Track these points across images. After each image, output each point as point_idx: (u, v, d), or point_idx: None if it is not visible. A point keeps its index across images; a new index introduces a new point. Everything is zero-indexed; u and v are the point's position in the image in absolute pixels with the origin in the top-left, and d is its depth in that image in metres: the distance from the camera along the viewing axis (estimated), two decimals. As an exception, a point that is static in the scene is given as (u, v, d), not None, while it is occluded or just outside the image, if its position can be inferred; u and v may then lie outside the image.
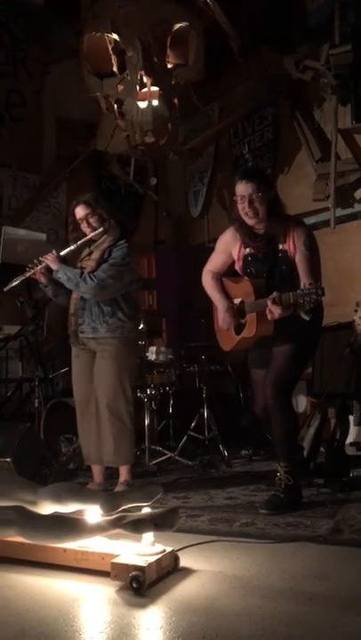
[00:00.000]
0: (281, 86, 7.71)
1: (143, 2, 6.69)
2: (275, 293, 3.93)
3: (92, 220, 4.85)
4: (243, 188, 4.21)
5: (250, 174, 4.44)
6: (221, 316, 4.51)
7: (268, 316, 4.00)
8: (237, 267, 4.50)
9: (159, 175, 9.23)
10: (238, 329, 4.43)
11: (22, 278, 4.87)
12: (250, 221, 4.27)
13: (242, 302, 4.39)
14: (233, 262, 4.56)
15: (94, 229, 4.85)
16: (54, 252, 4.86)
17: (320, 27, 7.08)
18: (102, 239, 4.87)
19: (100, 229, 4.85)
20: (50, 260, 4.81)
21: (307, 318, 4.13)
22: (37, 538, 3.09)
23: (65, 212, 8.37)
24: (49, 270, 4.88)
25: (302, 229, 4.24)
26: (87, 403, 4.88)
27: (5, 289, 5.00)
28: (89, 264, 4.82)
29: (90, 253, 4.90)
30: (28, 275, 4.85)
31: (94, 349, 4.87)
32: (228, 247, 4.54)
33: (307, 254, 4.15)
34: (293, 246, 4.19)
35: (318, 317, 4.37)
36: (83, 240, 4.86)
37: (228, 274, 4.65)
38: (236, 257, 4.49)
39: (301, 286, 3.95)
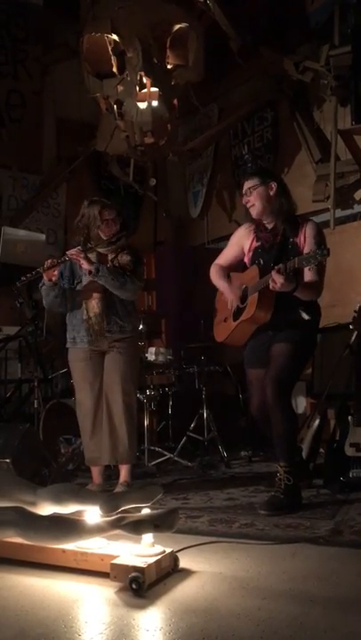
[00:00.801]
0: (281, 87, 7.71)
1: (143, 3, 6.68)
2: (280, 264, 4.01)
3: (117, 225, 4.88)
4: (245, 184, 4.47)
5: (250, 172, 4.74)
6: (227, 294, 4.59)
7: (271, 286, 4.03)
8: (246, 259, 4.61)
9: (159, 176, 9.22)
10: (237, 315, 4.47)
11: (41, 272, 4.74)
12: (252, 213, 4.43)
13: (245, 288, 4.44)
14: (243, 259, 4.66)
15: (116, 232, 4.87)
16: (80, 248, 4.79)
17: (320, 28, 7.09)
18: (120, 242, 4.91)
19: (125, 232, 4.95)
20: (82, 257, 4.72)
21: (306, 318, 4.23)
22: (37, 539, 3.09)
23: (64, 213, 8.40)
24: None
25: (314, 226, 4.37)
26: (98, 405, 4.86)
27: (19, 284, 4.88)
28: (125, 264, 4.83)
29: (101, 254, 4.89)
30: (45, 270, 4.72)
31: (105, 349, 4.87)
32: (241, 240, 4.65)
33: (314, 248, 4.18)
34: (304, 240, 4.29)
35: (316, 317, 4.43)
36: (106, 240, 4.85)
37: (235, 270, 4.72)
38: (246, 249, 4.59)
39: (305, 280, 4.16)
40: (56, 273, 4.84)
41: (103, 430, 4.80)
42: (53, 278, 4.84)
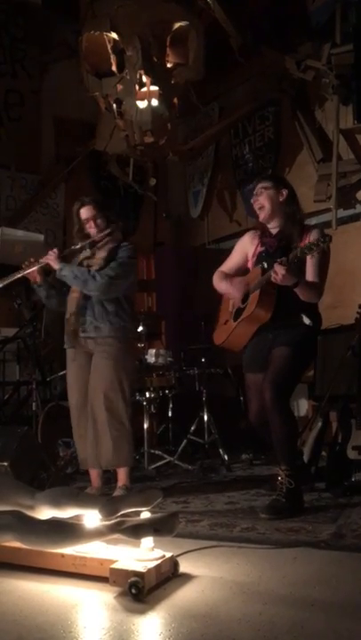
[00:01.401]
0: (282, 86, 7.72)
1: (143, 1, 6.68)
2: (283, 257, 4.01)
3: (99, 222, 4.85)
4: (257, 186, 4.52)
5: (263, 176, 4.74)
6: (230, 291, 4.59)
7: (273, 278, 4.02)
8: (250, 264, 4.61)
9: (159, 176, 9.17)
10: (237, 315, 4.47)
11: (17, 276, 4.80)
12: (260, 215, 4.47)
13: (247, 289, 4.44)
14: (246, 265, 4.66)
15: (101, 230, 4.84)
16: (55, 250, 4.82)
17: (321, 26, 7.09)
18: (106, 240, 4.87)
19: (108, 230, 4.87)
20: (51, 258, 4.77)
21: (307, 322, 4.21)
22: (35, 543, 3.06)
23: (63, 213, 8.38)
24: (46, 270, 4.85)
25: (318, 232, 4.37)
26: (83, 406, 4.82)
27: None
28: (95, 262, 4.80)
29: (93, 254, 4.87)
30: (22, 273, 4.78)
31: (92, 350, 4.82)
32: (245, 248, 4.66)
33: (318, 255, 4.21)
34: None
35: (317, 323, 4.43)
36: (89, 240, 4.86)
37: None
38: (250, 255, 4.60)
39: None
40: (37, 275, 4.84)
41: (88, 434, 4.77)
42: (38, 280, 4.86)
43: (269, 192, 4.41)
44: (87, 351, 4.84)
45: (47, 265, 4.81)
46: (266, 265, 4.35)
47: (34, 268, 4.79)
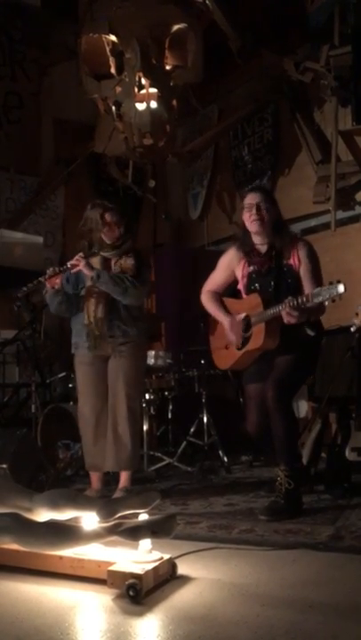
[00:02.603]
0: (281, 88, 7.71)
1: (141, 3, 6.67)
2: (293, 300, 3.93)
3: (121, 227, 4.83)
4: (251, 197, 4.38)
5: (259, 187, 4.68)
6: (229, 334, 4.46)
7: (286, 321, 4.00)
8: (241, 285, 4.54)
9: (158, 177, 9.17)
10: (241, 343, 4.42)
11: (42, 280, 4.77)
12: (256, 228, 4.35)
13: (246, 316, 4.38)
14: (233, 282, 4.62)
15: (120, 235, 4.82)
16: (82, 254, 4.77)
17: (320, 28, 7.05)
18: (125, 245, 4.86)
19: (129, 235, 4.92)
20: (83, 264, 4.69)
21: (312, 334, 4.21)
22: (33, 545, 3.06)
23: (62, 215, 8.38)
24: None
25: (305, 244, 4.39)
26: (102, 411, 4.80)
27: (20, 294, 4.94)
28: (128, 269, 4.77)
29: (107, 259, 4.85)
30: (48, 277, 4.74)
31: (110, 353, 4.80)
32: (231, 265, 4.58)
33: (310, 267, 4.28)
34: (298, 260, 4.29)
35: (319, 333, 4.44)
36: (111, 244, 4.82)
37: (226, 295, 4.67)
38: (240, 275, 4.53)
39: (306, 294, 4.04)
40: (58, 281, 4.81)
41: (107, 436, 4.74)
42: (56, 286, 4.82)
43: (271, 206, 4.33)
44: (103, 355, 4.82)
45: (79, 271, 4.77)
46: (258, 286, 4.36)
47: (59, 274, 4.76)
